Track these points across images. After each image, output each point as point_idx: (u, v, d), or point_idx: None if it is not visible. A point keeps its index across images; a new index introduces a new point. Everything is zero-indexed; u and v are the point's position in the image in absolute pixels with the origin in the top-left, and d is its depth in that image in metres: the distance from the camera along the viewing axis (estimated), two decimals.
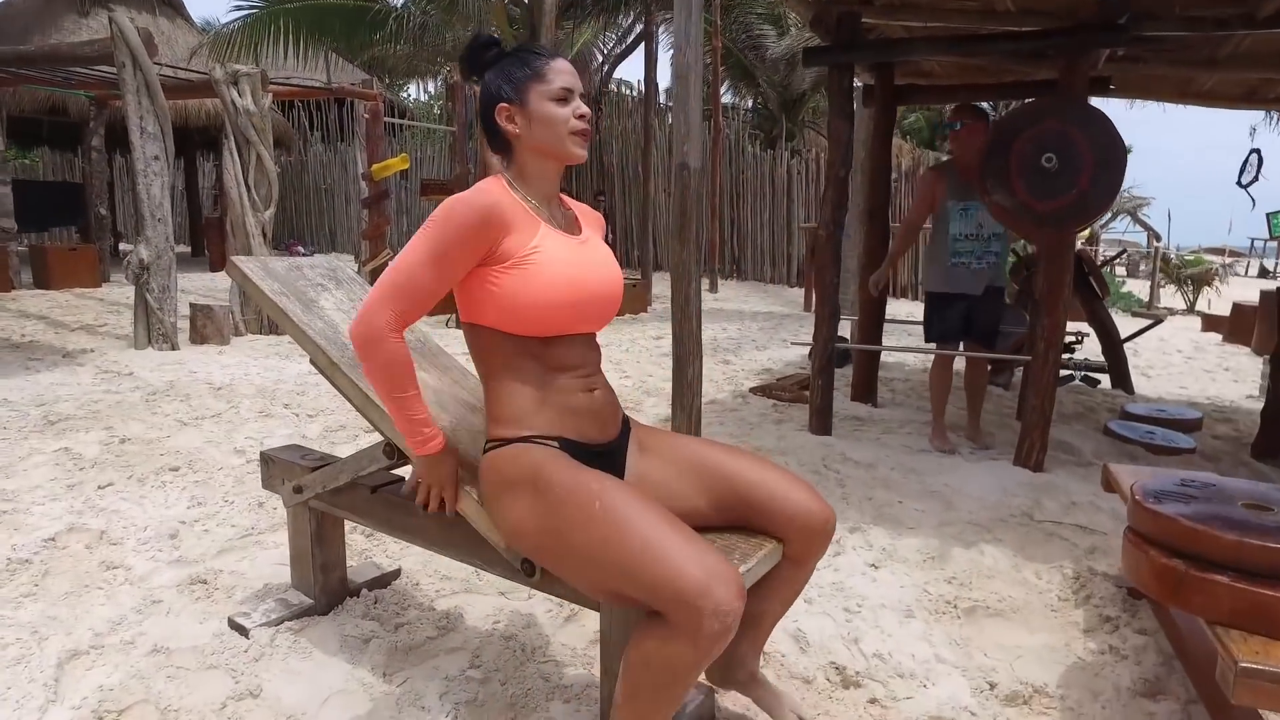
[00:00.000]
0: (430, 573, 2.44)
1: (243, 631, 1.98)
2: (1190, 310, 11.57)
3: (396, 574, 2.37)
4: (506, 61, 1.52)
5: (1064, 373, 4.82)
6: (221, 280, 10.76)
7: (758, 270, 13.10)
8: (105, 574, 2.34)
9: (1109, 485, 2.46)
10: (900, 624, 2.25)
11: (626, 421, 1.67)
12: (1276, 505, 1.70)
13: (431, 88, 20.74)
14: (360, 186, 6.97)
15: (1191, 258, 12.63)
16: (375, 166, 6.26)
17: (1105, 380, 5.66)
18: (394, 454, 1.69)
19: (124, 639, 1.99)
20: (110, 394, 4.52)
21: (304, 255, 15.15)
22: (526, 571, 1.57)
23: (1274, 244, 20.14)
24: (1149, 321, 6.28)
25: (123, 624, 2.07)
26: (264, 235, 6.75)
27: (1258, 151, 4.77)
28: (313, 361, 1.87)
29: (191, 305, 6.33)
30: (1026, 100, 4.49)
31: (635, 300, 8.98)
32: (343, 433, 3.91)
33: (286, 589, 2.21)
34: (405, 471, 1.85)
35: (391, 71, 15.77)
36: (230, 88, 6.32)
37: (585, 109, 1.52)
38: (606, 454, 1.56)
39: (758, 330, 8.48)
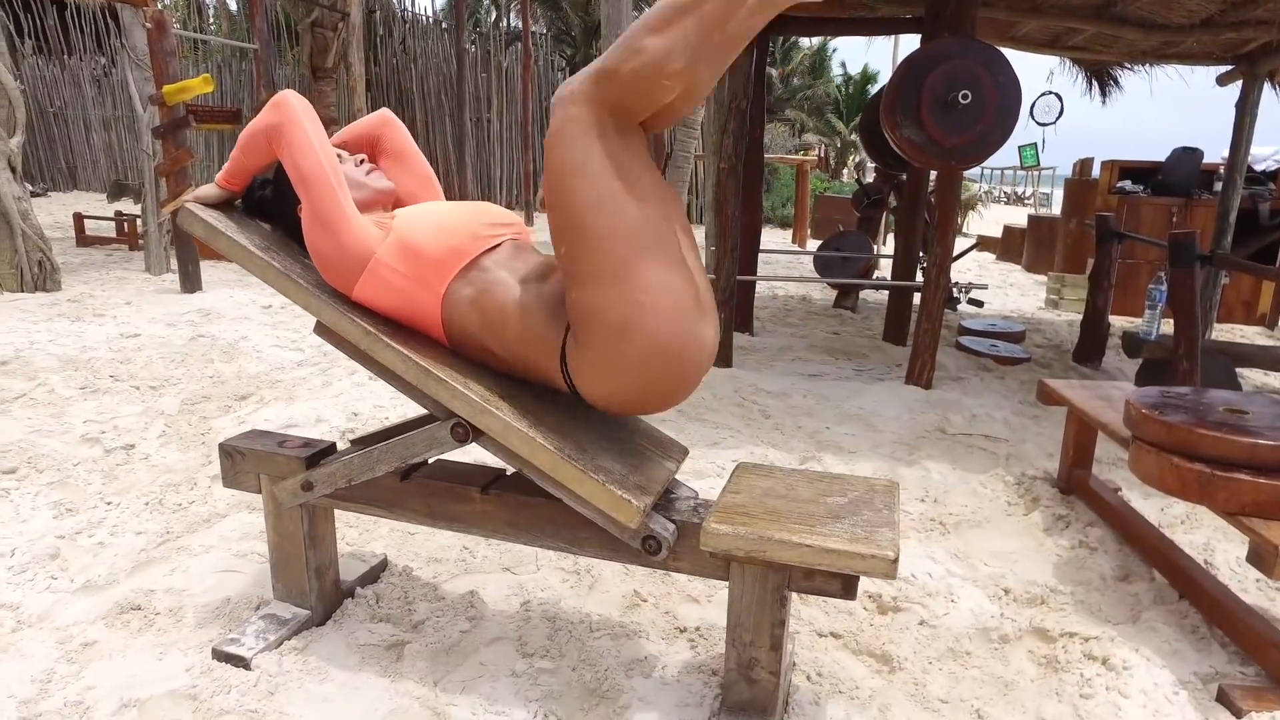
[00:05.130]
0: (412, 556, 2.16)
1: (241, 663, 1.62)
2: (958, 233, 13.12)
3: (384, 565, 2.06)
4: (280, 178, 1.62)
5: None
6: None
7: None
8: None
9: (1049, 399, 2.71)
10: (902, 546, 2.34)
11: None
12: (1248, 409, 1.95)
13: None
14: (141, 110, 5.84)
15: None
16: (169, 88, 5.21)
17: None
18: (467, 436, 1.42)
19: (69, 700, 1.55)
20: None
21: (36, 194, 12.60)
22: (650, 550, 1.41)
23: (1012, 173, 23.35)
24: (968, 245, 6.99)
25: (53, 681, 1.61)
26: (12, 169, 5.45)
27: (1058, 95, 5.36)
28: (318, 329, 1.52)
29: None
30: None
31: None
32: (209, 404, 3.32)
33: (264, 602, 1.84)
34: (460, 454, 1.57)
35: None
36: None
37: (360, 155, 1.67)
38: None
39: None
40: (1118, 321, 5.72)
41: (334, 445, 1.76)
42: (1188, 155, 6.35)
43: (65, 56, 13.56)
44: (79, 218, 8.06)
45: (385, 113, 1.75)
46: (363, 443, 1.77)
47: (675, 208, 1.39)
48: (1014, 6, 4.76)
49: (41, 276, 5.63)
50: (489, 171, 13.34)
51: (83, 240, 7.92)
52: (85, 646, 1.72)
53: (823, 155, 19.59)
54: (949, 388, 3.99)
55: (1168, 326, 3.74)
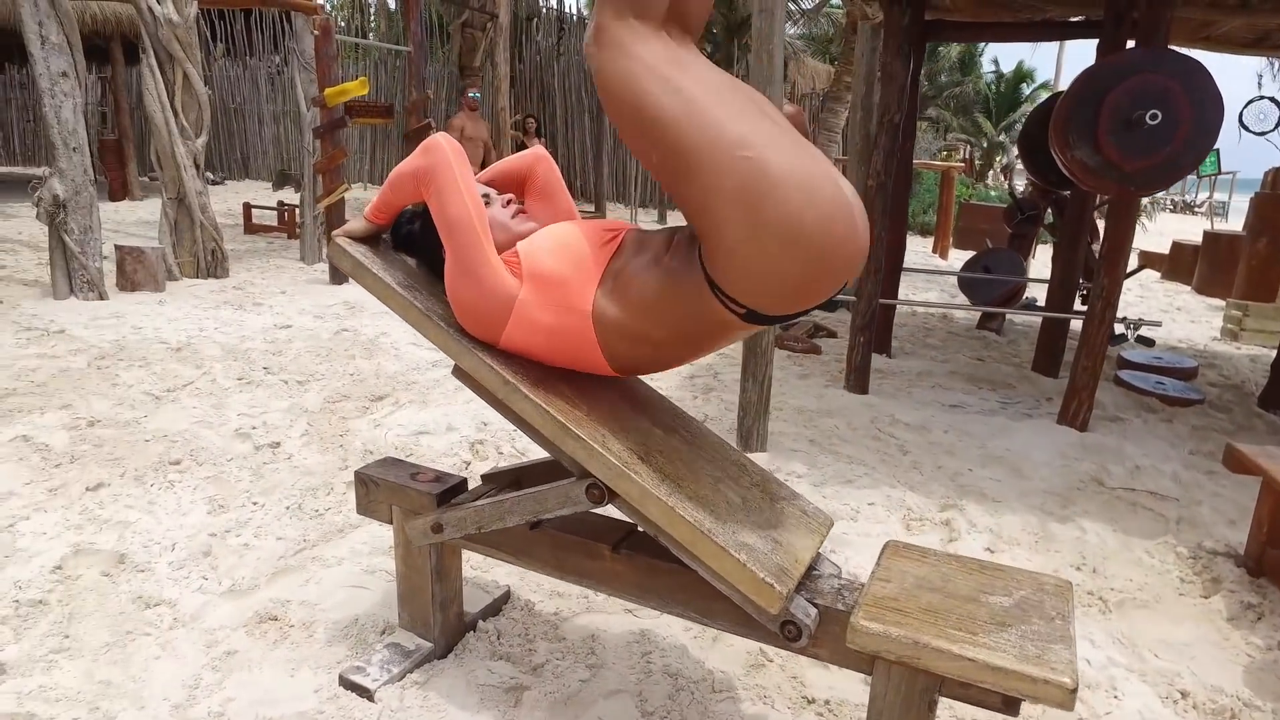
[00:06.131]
0: (535, 588, 2.15)
1: (365, 694, 1.65)
2: None
3: (507, 597, 2.06)
4: (427, 214, 1.57)
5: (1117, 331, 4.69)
6: (129, 213, 9.61)
7: None
8: (147, 614, 1.93)
9: (1240, 467, 2.38)
10: None
11: None
12: None
13: None
14: (305, 110, 6.21)
15: None
16: (329, 91, 5.52)
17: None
18: (603, 498, 1.37)
19: (212, 710, 1.62)
20: (48, 359, 3.87)
21: (214, 182, 13.77)
22: (789, 635, 1.31)
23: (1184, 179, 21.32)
24: (1130, 266, 6.38)
25: (200, 687, 1.70)
26: (196, 166, 5.93)
27: (1275, 100, 4.74)
28: (457, 373, 1.50)
29: (116, 247, 5.53)
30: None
31: None
32: (347, 403, 3.47)
33: (390, 628, 1.87)
34: (607, 511, 1.52)
35: None
36: None
37: (507, 195, 1.62)
38: None
39: None
40: None
41: (465, 481, 1.75)
42: None
43: (248, 57, 14.72)
44: (248, 207, 8.72)
45: (540, 150, 1.73)
46: (493, 480, 1.76)
47: (745, 87, 1.35)
48: (1217, 4, 4.25)
49: (213, 264, 6.12)
50: (624, 169, 13.42)
51: (250, 228, 8.57)
52: (228, 655, 1.80)
53: (967, 157, 18.51)
54: (1107, 430, 3.62)
55: None
